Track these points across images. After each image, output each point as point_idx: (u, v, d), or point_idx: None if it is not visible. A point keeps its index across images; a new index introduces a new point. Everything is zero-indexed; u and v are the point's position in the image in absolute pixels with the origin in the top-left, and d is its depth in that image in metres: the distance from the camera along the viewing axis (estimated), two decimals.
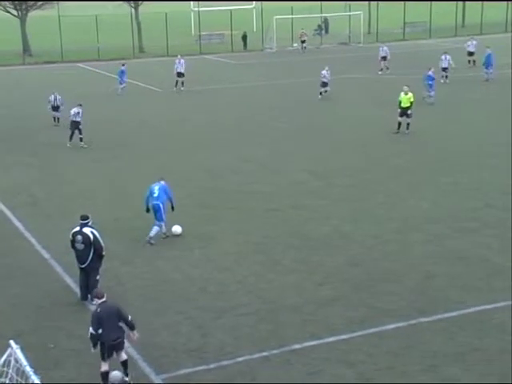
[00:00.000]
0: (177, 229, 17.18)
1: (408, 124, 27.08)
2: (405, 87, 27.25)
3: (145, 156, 25.19)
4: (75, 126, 26.26)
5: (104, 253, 13.81)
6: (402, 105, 26.94)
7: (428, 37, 63.77)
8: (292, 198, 19.89)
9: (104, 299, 10.97)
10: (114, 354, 10.95)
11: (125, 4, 60.47)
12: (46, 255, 16.13)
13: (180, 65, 39.01)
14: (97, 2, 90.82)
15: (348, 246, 16.32)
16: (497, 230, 17.03)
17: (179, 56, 40.44)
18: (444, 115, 30.65)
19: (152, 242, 16.56)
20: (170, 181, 21.74)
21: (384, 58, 42.93)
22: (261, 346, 12.03)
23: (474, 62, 43.35)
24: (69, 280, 14.71)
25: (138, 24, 59.13)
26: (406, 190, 20.45)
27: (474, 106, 32.18)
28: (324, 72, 34.53)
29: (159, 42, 58.29)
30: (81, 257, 13.67)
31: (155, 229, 16.63)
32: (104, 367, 10.88)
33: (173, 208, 17.00)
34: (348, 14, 65.24)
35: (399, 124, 27.11)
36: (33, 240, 17.19)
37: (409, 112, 26.95)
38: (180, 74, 39.09)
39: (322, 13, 67.44)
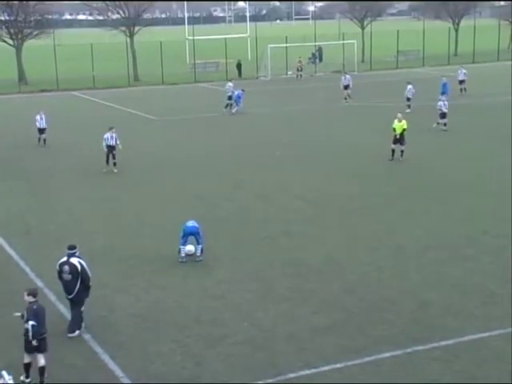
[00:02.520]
0: (190, 248, 17.29)
1: (402, 151, 27.21)
2: (398, 114, 27.51)
3: (139, 183, 25.19)
4: (110, 150, 26.74)
5: (91, 283, 13.68)
6: (396, 132, 27.12)
7: (421, 65, 64.35)
8: (285, 226, 19.86)
9: (36, 298, 11.94)
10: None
11: (120, 33, 60.88)
12: (40, 283, 16.00)
13: (231, 88, 41.29)
14: (90, 28, 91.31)
15: (342, 274, 16.27)
16: (492, 257, 17.00)
17: (232, 80, 43.59)
18: (436, 143, 30.78)
19: (200, 258, 17.17)
20: (164, 209, 21.84)
21: (346, 87, 43.69)
22: (255, 375, 11.92)
23: (465, 89, 44.48)
24: (63, 309, 14.56)
25: (133, 53, 59.52)
26: (401, 218, 20.45)
27: (464, 134, 32.33)
28: (441, 103, 32.71)
29: (154, 71, 58.68)
30: (68, 287, 13.53)
31: (199, 247, 17.20)
32: (27, 359, 11.78)
33: (201, 250, 17.33)
34: (342, 42, 65.83)
35: (393, 151, 27.24)
36: (27, 268, 17.08)
37: (402, 139, 27.09)
38: (230, 98, 40.95)
39: (315, 41, 68.05)
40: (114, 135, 26.91)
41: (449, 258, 17.11)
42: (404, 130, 27.05)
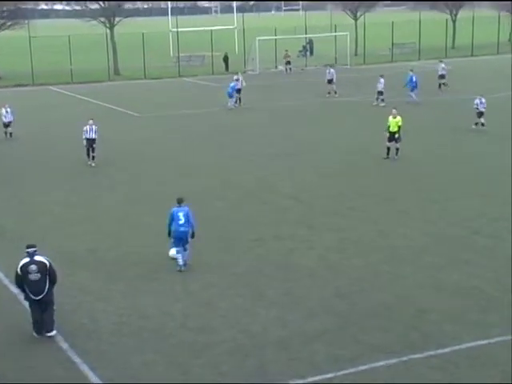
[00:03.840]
0: (174, 252, 17.28)
1: (397, 149, 27.32)
2: (393, 110, 27.58)
3: (122, 183, 25.18)
4: (90, 143, 27.33)
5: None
6: (391, 129, 27.20)
7: (417, 58, 64.58)
8: (276, 227, 19.94)
9: None
10: None
11: (99, 24, 60.73)
12: (15, 290, 15.95)
13: (239, 82, 41.40)
14: (68, 19, 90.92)
15: (335, 278, 16.34)
16: (489, 260, 17.13)
17: (239, 73, 43.56)
18: (432, 140, 30.93)
19: (183, 268, 16.75)
20: (148, 210, 21.85)
21: (330, 81, 43.99)
22: None
23: (445, 84, 44.79)
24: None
25: (114, 45, 59.37)
26: (395, 219, 20.57)
27: (458, 132, 32.52)
28: (477, 101, 32.22)
29: (136, 64, 58.58)
30: (37, 287, 13.61)
31: (186, 254, 16.82)
32: None
33: (193, 235, 16.92)
34: (334, 34, 65.96)
35: (388, 149, 27.33)
36: (0, 274, 17.03)
37: (397, 136, 27.18)
38: (239, 91, 41.26)
39: (306, 33, 68.16)
40: (93, 127, 27.37)
41: (445, 260, 17.21)
42: (399, 126, 27.16)
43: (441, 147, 29.58)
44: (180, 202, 16.89)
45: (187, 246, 16.97)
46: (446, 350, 12.95)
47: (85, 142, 27.37)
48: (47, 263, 13.73)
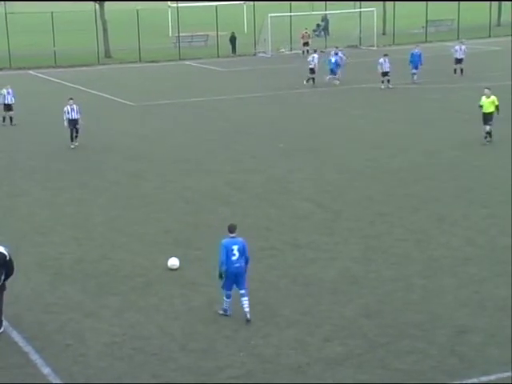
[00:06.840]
0: (174, 262, 17.43)
1: (488, 133, 28.05)
2: (486, 90, 28.47)
3: (113, 183, 25.24)
4: (73, 124, 29.03)
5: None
6: (484, 110, 28.03)
7: (455, 38, 64.32)
8: (292, 235, 19.94)
9: None
10: None
11: None
12: None
13: (315, 60, 43.07)
14: None
15: (361, 293, 16.32)
16: None
17: (317, 51, 45.56)
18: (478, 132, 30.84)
19: (248, 316, 15.14)
20: (144, 214, 21.87)
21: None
22: None
23: (462, 70, 44.88)
24: (16, 337, 14.63)
25: (104, 23, 59.55)
26: (433, 224, 20.52)
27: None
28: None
29: (129, 46, 58.73)
30: None
31: (246, 301, 15.16)
32: None
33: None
34: (358, 10, 65.88)
35: (487, 133, 28.15)
36: None
37: (491, 118, 27.98)
38: (312, 71, 43.12)
39: (326, 10, 68.15)
40: (74, 107, 29.04)
41: (492, 274, 17.15)
42: (496, 106, 28.00)
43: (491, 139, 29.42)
44: (232, 230, 15.24)
45: (244, 290, 15.19)
46: (491, 377, 12.90)
47: (66, 123, 28.91)
48: (7, 255, 14.33)
